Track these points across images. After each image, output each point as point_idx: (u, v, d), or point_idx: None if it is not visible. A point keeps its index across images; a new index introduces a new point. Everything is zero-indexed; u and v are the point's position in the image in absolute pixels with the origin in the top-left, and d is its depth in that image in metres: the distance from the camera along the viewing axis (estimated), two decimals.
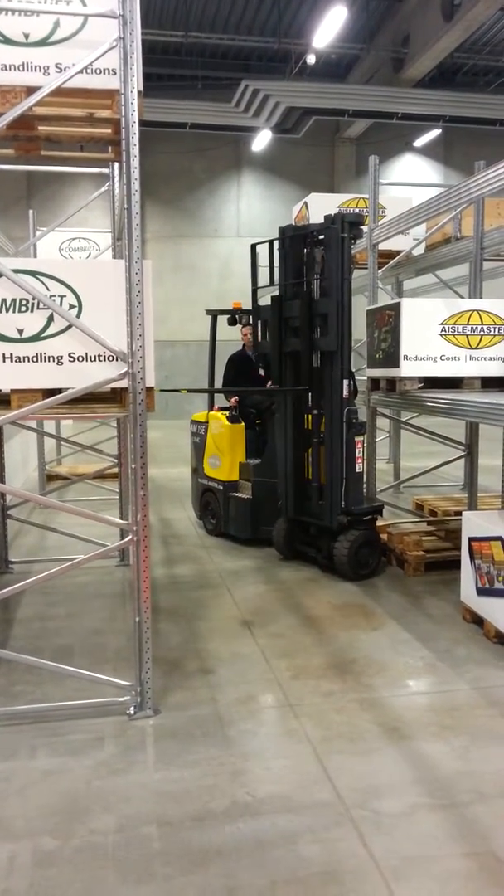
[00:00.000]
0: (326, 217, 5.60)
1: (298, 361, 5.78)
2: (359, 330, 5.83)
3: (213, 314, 7.31)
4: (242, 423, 6.79)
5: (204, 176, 21.01)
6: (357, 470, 5.56)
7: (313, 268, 5.72)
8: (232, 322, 7.18)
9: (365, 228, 6.24)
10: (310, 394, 5.86)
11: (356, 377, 5.73)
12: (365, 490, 6.07)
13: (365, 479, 6.26)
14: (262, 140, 18.55)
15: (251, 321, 6.57)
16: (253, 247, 6.28)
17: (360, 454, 5.55)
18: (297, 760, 3.13)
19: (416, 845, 2.59)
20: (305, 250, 5.79)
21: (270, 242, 6.10)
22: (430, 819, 2.73)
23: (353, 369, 5.66)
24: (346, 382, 5.52)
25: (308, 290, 5.71)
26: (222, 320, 7.24)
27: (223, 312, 7.20)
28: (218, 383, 7.26)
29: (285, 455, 6.03)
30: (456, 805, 2.81)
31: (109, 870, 2.48)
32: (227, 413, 6.89)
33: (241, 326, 7.22)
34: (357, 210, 8.70)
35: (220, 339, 7.29)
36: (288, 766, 3.08)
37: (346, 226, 5.44)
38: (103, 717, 3.46)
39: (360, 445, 5.54)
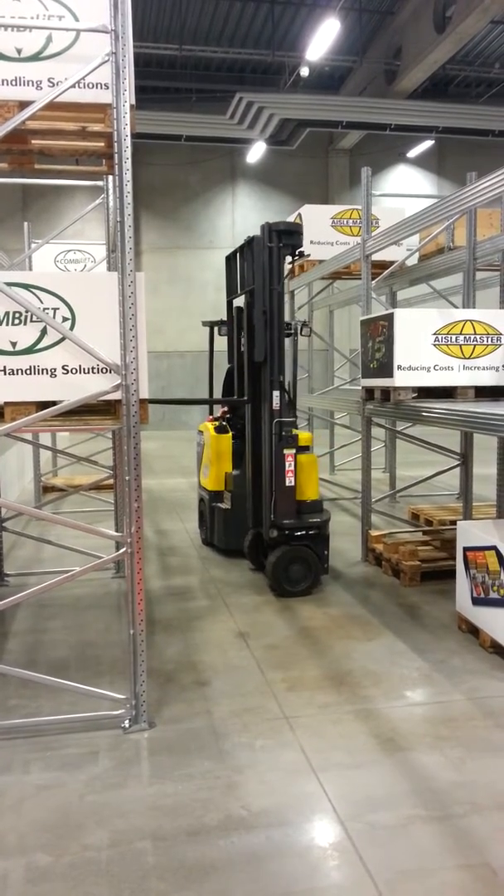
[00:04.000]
0: (262, 227, 5.58)
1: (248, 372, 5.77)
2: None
3: (210, 325, 7.33)
4: (229, 434, 6.72)
5: (199, 187, 21.12)
6: (287, 483, 5.43)
7: (250, 278, 5.68)
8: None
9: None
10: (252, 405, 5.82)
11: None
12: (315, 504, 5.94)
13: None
14: (256, 152, 18.66)
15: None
16: (227, 258, 6.30)
17: (291, 468, 5.43)
18: (293, 773, 3.11)
19: (411, 858, 2.58)
20: (245, 262, 5.77)
21: (233, 254, 6.12)
22: (426, 831, 2.71)
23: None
24: (275, 394, 5.45)
25: (248, 301, 5.69)
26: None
27: (219, 323, 7.22)
28: (217, 393, 7.27)
29: (246, 465, 6.01)
30: (451, 817, 2.80)
31: (103, 885, 2.46)
32: (217, 423, 6.89)
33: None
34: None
35: (219, 349, 7.31)
36: (283, 779, 3.07)
37: (275, 235, 5.41)
38: (98, 731, 3.45)
39: (289, 459, 5.42)
